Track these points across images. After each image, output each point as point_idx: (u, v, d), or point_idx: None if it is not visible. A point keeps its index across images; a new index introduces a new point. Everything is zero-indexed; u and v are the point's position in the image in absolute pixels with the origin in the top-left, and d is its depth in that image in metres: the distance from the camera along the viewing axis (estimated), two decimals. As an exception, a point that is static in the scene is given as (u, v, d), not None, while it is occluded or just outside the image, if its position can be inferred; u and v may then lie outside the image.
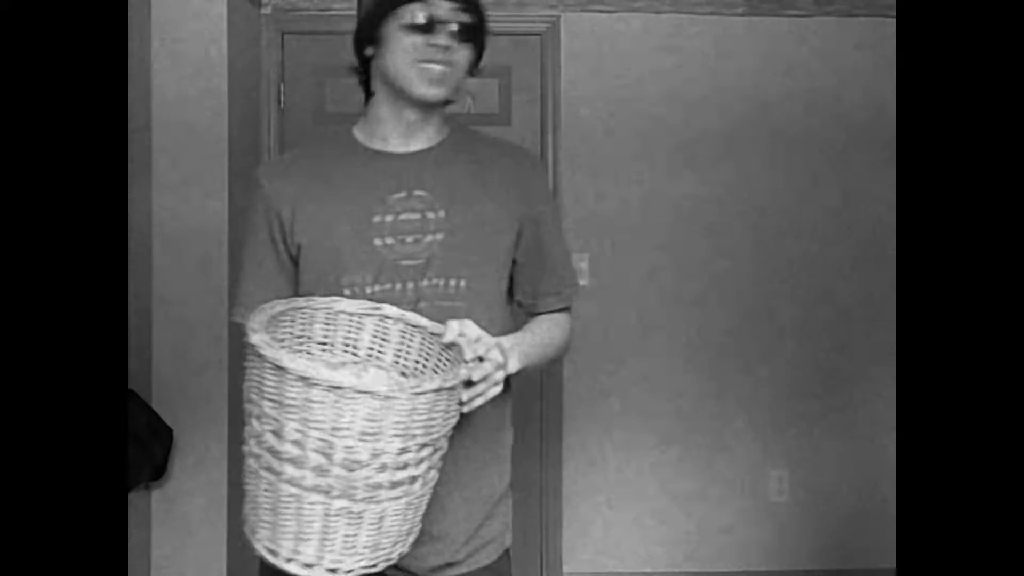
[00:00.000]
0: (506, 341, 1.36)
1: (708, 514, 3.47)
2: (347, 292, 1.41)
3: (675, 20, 3.44)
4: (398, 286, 1.42)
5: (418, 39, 1.39)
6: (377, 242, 1.42)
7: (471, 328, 1.31)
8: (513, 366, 1.35)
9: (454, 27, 1.40)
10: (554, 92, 3.43)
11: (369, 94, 1.49)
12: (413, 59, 1.39)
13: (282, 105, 3.41)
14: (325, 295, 1.39)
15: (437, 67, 1.40)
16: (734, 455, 3.47)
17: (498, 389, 1.30)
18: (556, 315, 1.57)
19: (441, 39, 1.39)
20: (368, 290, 1.41)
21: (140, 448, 2.70)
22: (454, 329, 1.29)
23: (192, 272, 2.96)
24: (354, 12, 3.37)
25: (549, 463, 3.44)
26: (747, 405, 3.47)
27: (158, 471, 2.81)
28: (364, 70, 1.48)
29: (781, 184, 3.47)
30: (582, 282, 3.44)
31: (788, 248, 3.48)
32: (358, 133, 1.50)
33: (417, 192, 1.44)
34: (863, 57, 3.46)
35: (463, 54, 1.44)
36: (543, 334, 1.50)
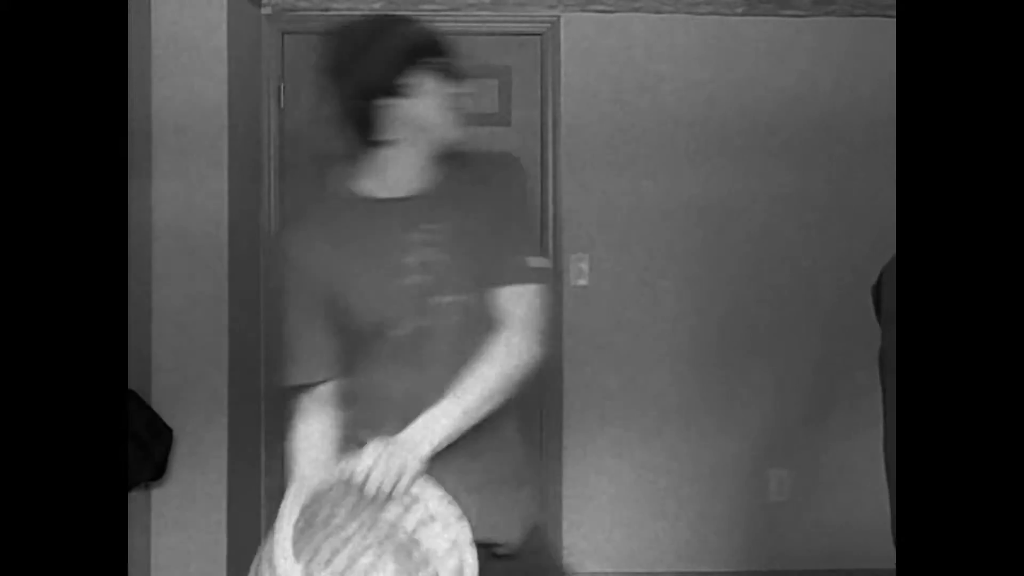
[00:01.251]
0: (405, 434, 1.42)
1: (708, 514, 3.47)
2: (390, 334, 1.50)
3: (675, 20, 3.44)
4: (428, 318, 1.50)
5: (452, 87, 1.49)
6: (407, 281, 1.49)
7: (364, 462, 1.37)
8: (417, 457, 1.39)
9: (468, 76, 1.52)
10: (554, 92, 3.43)
11: (369, 142, 1.50)
12: (448, 107, 1.49)
13: (282, 105, 3.41)
14: (373, 337, 1.51)
15: (462, 112, 1.51)
16: (734, 455, 3.47)
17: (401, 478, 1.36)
18: (495, 340, 1.53)
19: (467, 87, 1.51)
20: (409, 327, 1.50)
21: (140, 448, 2.70)
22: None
23: (192, 272, 2.96)
24: (353, 12, 3.38)
25: (549, 463, 3.44)
26: (747, 405, 3.47)
27: (158, 471, 2.82)
28: (366, 120, 1.48)
29: (780, 183, 3.47)
30: (582, 282, 3.44)
31: (787, 247, 3.48)
32: (362, 184, 1.54)
33: (425, 227, 1.51)
34: (863, 57, 3.46)
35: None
36: (464, 395, 1.48)
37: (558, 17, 3.43)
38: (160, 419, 2.82)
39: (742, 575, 3.47)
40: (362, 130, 1.49)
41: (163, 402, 2.93)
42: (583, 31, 3.43)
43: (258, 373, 3.34)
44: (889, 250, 3.69)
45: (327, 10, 3.39)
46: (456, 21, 3.41)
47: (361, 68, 1.46)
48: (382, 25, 1.52)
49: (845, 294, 3.48)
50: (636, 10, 3.43)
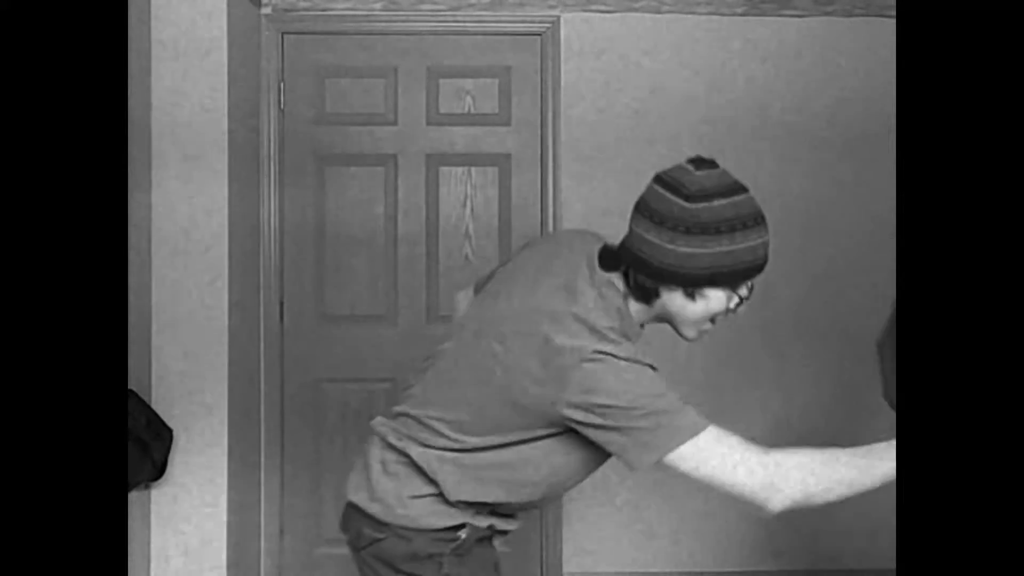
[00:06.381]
0: None
1: (708, 514, 3.47)
2: None
3: (675, 20, 3.44)
4: None
5: (725, 309, 1.56)
6: None
7: None
8: None
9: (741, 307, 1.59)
10: (554, 92, 3.43)
11: (637, 296, 1.63)
12: (706, 318, 1.58)
13: (282, 105, 3.41)
14: None
15: (711, 327, 1.61)
16: (734, 455, 3.47)
17: None
18: None
19: (736, 307, 1.59)
20: None
21: (140, 448, 2.70)
22: None
23: (192, 272, 2.96)
24: (353, 12, 3.39)
25: (549, 463, 3.44)
26: (748, 404, 3.47)
27: (158, 471, 2.82)
28: (646, 290, 1.60)
29: (780, 184, 3.47)
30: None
31: (787, 248, 3.48)
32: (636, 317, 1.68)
33: None
34: (863, 57, 3.46)
35: None
36: None
37: (558, 17, 3.43)
38: (160, 419, 2.82)
39: (742, 575, 3.47)
40: (640, 291, 1.60)
41: (163, 402, 2.93)
42: (583, 31, 3.43)
43: (258, 374, 3.35)
44: (889, 252, 3.66)
45: (327, 10, 3.40)
46: (456, 21, 3.41)
47: (679, 254, 1.49)
48: (731, 227, 1.50)
49: (847, 293, 3.48)
50: (636, 10, 3.43)
